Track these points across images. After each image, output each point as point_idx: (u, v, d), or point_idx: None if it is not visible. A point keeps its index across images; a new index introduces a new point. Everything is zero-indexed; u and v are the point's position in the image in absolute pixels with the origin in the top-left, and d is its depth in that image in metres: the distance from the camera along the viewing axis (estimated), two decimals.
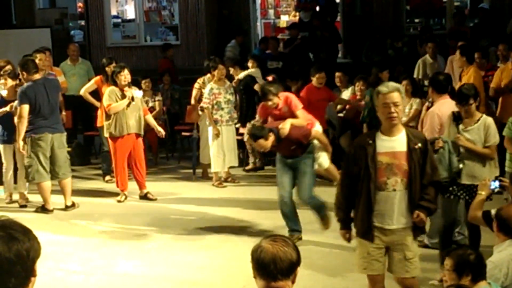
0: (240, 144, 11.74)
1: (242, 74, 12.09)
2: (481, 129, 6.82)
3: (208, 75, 11.08)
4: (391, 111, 5.19)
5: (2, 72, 10.00)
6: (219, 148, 10.70)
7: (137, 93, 10.08)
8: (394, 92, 5.23)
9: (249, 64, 12.25)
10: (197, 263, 7.61)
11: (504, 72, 10.04)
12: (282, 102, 8.20)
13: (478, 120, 6.87)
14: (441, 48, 12.73)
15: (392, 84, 5.40)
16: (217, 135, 10.61)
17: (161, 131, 10.44)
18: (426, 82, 11.72)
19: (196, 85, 11.18)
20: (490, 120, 6.90)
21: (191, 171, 11.71)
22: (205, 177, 11.30)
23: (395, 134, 5.32)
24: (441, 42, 13.42)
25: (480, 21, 15.95)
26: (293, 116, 8.10)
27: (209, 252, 7.80)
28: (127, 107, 9.93)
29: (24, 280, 2.55)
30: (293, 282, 3.20)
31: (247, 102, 12.18)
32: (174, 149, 13.30)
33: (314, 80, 10.98)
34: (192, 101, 11.28)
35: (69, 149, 12.17)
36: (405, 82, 9.99)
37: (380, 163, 5.29)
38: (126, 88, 9.97)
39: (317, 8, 17.03)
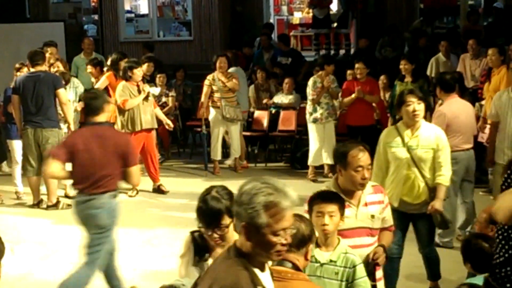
0: (250, 140, 11.81)
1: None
2: None
3: (216, 72, 11.08)
4: None
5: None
6: (319, 143, 10.73)
7: (153, 90, 10.23)
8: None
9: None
10: None
11: None
12: None
13: None
14: (454, 46, 12.67)
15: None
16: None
17: (169, 123, 10.55)
18: None
19: (206, 82, 11.19)
20: None
21: (202, 166, 11.73)
22: (217, 173, 11.32)
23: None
24: (455, 40, 13.35)
25: (494, 20, 15.88)
26: None
27: None
28: (143, 102, 10.00)
29: None
30: (306, 258, 3.54)
31: None
32: (185, 144, 13.32)
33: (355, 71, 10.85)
34: (203, 98, 11.29)
35: None
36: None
37: None
38: (142, 84, 10.09)
39: (332, 6, 16.96)
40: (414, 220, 6.24)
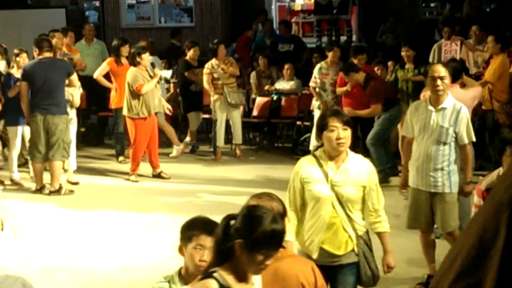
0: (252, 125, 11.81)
1: None
2: None
3: (214, 59, 11.07)
4: None
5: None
6: None
7: (165, 73, 10.30)
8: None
9: None
10: None
11: None
12: None
13: None
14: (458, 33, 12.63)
15: None
16: None
17: (169, 107, 10.63)
18: None
19: (206, 70, 11.16)
20: None
21: (204, 152, 11.77)
22: (219, 159, 11.33)
23: None
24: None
25: (498, 6, 15.83)
26: None
27: None
28: (155, 86, 10.07)
29: None
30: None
31: None
32: (187, 131, 13.29)
33: (356, 62, 10.58)
34: (206, 86, 11.24)
35: (83, 129, 12.26)
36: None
37: None
38: (154, 68, 10.15)
39: None
40: (336, 274, 4.75)
